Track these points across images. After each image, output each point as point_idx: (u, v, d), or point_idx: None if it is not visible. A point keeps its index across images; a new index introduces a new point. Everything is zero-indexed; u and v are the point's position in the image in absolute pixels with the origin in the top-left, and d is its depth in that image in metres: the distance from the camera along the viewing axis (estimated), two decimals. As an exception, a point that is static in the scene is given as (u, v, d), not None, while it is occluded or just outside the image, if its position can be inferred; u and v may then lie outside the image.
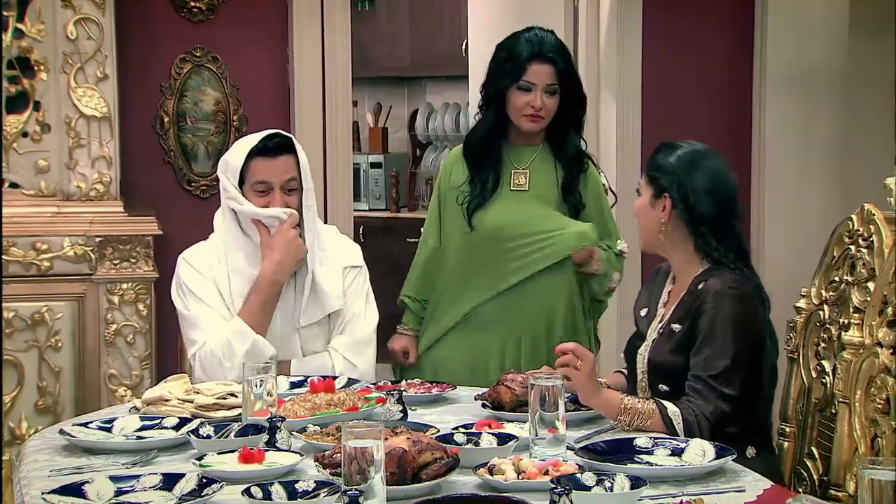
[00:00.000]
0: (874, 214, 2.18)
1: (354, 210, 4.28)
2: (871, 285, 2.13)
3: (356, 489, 1.60)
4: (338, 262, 2.69)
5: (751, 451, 2.23)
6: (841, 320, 2.23)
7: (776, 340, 2.33)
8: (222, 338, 2.54)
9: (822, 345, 2.30)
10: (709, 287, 2.24)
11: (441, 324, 2.90)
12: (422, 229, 3.01)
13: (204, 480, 1.84)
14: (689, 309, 2.26)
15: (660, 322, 2.34)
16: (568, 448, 1.98)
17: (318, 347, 2.67)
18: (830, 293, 2.29)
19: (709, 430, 2.14)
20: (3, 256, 3.28)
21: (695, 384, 2.20)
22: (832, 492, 2.08)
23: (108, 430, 2.20)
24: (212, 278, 2.62)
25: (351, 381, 2.50)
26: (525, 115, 2.79)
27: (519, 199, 2.84)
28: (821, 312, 2.31)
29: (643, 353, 2.33)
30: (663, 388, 2.29)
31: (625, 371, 2.47)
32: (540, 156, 2.87)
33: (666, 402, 2.18)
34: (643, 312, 2.42)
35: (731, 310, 2.21)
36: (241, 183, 2.60)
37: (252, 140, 2.63)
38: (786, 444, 2.37)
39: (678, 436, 2.12)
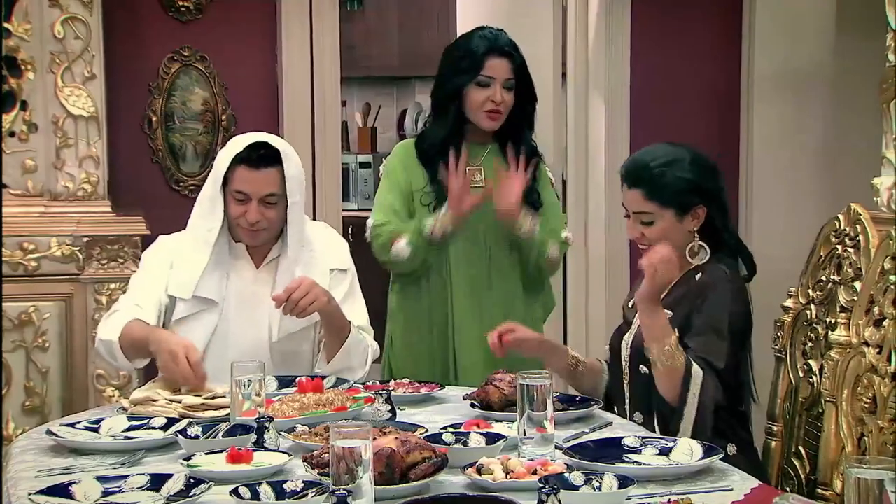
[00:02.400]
0: (860, 214, 2.19)
1: (343, 210, 4.27)
2: (857, 285, 2.14)
3: (344, 489, 1.60)
4: (324, 264, 2.66)
5: (731, 449, 2.24)
6: (828, 319, 2.24)
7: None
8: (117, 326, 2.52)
9: (810, 344, 2.31)
10: (706, 279, 2.27)
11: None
12: (372, 221, 2.92)
13: (192, 481, 1.83)
14: (683, 297, 2.28)
15: None
16: (556, 447, 1.98)
17: (302, 349, 2.65)
18: (817, 293, 2.30)
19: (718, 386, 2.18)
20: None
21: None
22: (819, 491, 2.08)
23: (96, 430, 2.20)
24: (169, 261, 2.62)
25: (339, 381, 2.50)
26: (485, 110, 2.80)
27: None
28: (808, 312, 2.32)
29: (627, 339, 2.35)
30: (644, 369, 2.30)
31: (603, 362, 2.49)
32: (491, 152, 2.89)
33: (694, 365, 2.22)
34: (630, 304, 2.44)
35: (729, 304, 2.25)
36: (225, 183, 2.59)
37: (241, 144, 2.57)
38: (773, 443, 2.38)
39: (689, 386, 2.17)
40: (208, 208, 2.61)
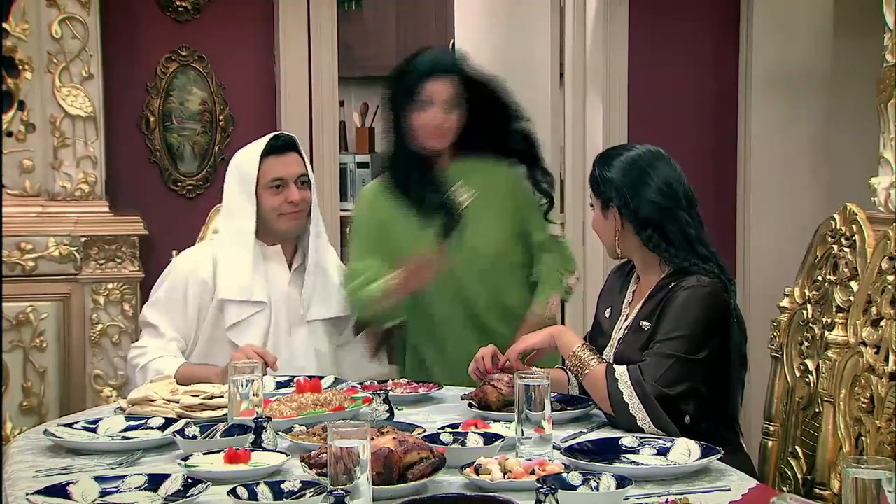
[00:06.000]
0: (856, 214, 2.19)
1: (341, 210, 4.27)
2: (853, 284, 2.14)
3: (342, 489, 1.60)
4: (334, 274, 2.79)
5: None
6: (824, 319, 2.24)
7: (744, 328, 2.31)
8: (153, 364, 2.59)
9: (806, 344, 2.31)
10: (678, 286, 2.25)
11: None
12: (347, 269, 2.78)
13: (189, 481, 1.83)
14: (658, 306, 2.26)
15: (625, 321, 2.34)
16: (554, 447, 1.98)
17: (324, 346, 2.73)
18: (814, 292, 2.30)
19: (655, 387, 2.15)
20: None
21: (645, 356, 2.21)
22: (817, 490, 2.09)
23: (93, 430, 2.20)
24: (207, 290, 2.66)
25: (337, 381, 2.50)
26: (427, 133, 2.70)
27: (472, 216, 2.74)
28: (804, 312, 2.32)
29: (609, 353, 2.33)
30: None
31: (565, 368, 2.48)
32: (469, 164, 2.77)
33: (615, 366, 2.23)
34: (607, 313, 2.42)
35: (699, 304, 2.21)
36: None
37: (259, 144, 2.70)
38: (770, 443, 2.38)
39: (621, 392, 2.15)
40: (239, 213, 2.67)
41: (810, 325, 2.30)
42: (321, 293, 2.73)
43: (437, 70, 2.72)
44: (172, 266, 2.74)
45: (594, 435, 2.15)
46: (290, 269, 2.74)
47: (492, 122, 2.79)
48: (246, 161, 2.69)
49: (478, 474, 1.84)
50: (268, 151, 2.67)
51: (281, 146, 2.69)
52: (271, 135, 2.72)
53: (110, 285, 3.42)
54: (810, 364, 2.28)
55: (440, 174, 2.76)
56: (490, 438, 2.01)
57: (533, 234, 2.84)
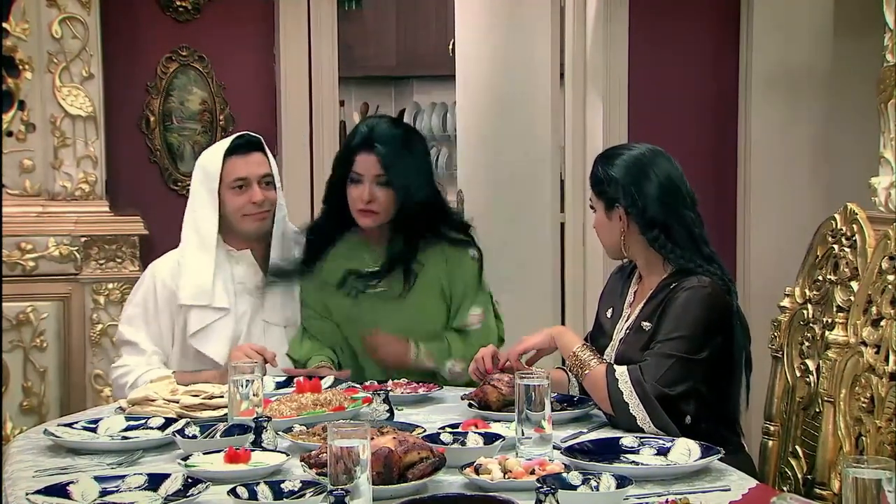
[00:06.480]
0: (857, 214, 2.19)
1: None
2: (854, 284, 2.14)
3: (342, 489, 1.60)
4: None
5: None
6: (825, 319, 2.24)
7: (747, 331, 2.31)
8: (142, 378, 2.59)
9: (806, 344, 2.31)
10: (679, 287, 2.24)
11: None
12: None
13: (189, 480, 1.83)
14: (659, 306, 2.25)
15: (626, 321, 2.34)
16: (554, 447, 1.99)
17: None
18: (814, 292, 2.30)
19: (655, 387, 2.15)
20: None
21: (646, 356, 2.20)
22: (817, 490, 2.09)
23: (94, 430, 2.20)
24: (153, 293, 2.66)
25: (337, 382, 2.50)
26: (357, 209, 2.60)
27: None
28: (805, 311, 2.32)
29: (610, 353, 2.33)
30: None
31: (565, 368, 2.48)
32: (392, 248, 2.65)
33: (615, 366, 2.22)
34: (608, 313, 2.41)
35: (699, 305, 2.21)
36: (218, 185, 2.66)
37: (223, 143, 2.69)
38: (770, 442, 2.38)
39: (621, 392, 2.15)
40: (201, 213, 2.66)
41: (811, 324, 2.30)
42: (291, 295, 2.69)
43: (367, 142, 2.59)
44: (142, 278, 2.73)
45: (594, 435, 2.15)
46: (264, 274, 2.69)
47: (423, 206, 2.61)
48: (210, 160, 2.66)
49: (478, 474, 1.84)
50: (231, 151, 2.64)
51: (245, 145, 2.65)
52: (236, 134, 2.71)
53: (110, 285, 3.42)
54: (811, 364, 2.28)
55: (364, 249, 2.68)
56: (490, 438, 2.01)
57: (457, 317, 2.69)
